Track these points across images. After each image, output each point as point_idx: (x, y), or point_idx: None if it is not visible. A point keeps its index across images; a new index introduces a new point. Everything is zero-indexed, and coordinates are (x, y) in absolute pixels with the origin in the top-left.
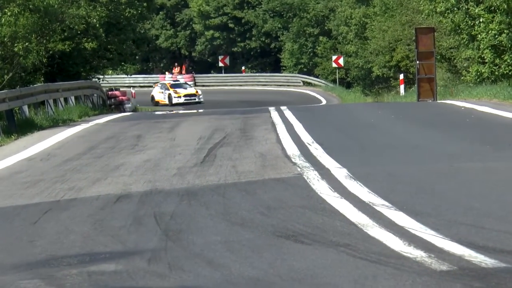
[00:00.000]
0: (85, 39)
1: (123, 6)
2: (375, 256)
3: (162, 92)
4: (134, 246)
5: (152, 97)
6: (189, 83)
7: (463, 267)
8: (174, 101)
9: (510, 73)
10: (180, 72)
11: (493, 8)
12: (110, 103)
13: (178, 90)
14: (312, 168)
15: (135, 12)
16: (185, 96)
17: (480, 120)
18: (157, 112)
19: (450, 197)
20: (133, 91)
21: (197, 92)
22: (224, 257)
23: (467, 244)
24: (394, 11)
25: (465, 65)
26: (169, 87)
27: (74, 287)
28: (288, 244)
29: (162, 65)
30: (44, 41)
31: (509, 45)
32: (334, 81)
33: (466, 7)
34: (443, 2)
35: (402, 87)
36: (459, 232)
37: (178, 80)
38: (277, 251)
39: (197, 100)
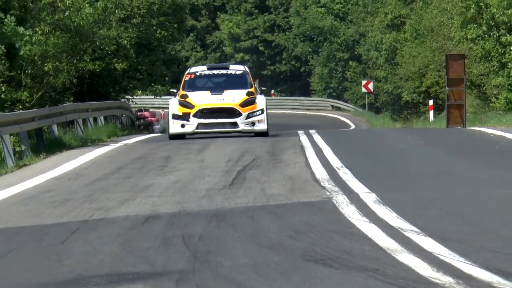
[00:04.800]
0: (116, 59)
1: (154, 28)
2: (403, 282)
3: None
4: (162, 267)
5: None
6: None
7: None
8: (172, 129)
9: None
10: None
11: None
12: (139, 124)
13: (193, 96)
14: (341, 193)
15: (166, 34)
16: (204, 115)
17: (510, 148)
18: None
19: (479, 223)
20: (162, 113)
21: (243, 104)
22: (253, 280)
23: (496, 270)
24: (425, 37)
25: (494, 92)
26: (181, 88)
27: None
28: (316, 268)
29: None
30: (75, 61)
31: None
32: (363, 106)
33: (497, 34)
34: (474, 29)
35: (431, 113)
36: (488, 259)
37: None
38: (305, 274)
39: (240, 127)
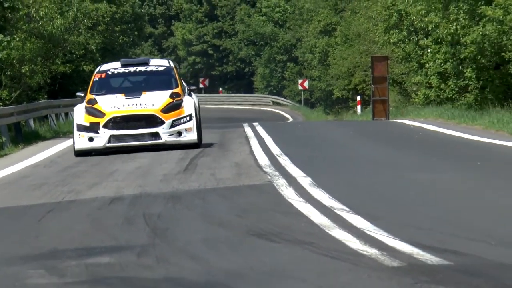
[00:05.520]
0: (84, 62)
1: (117, 34)
2: (335, 253)
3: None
4: (125, 242)
5: None
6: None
7: (412, 264)
8: (77, 144)
9: (453, 97)
10: None
11: (439, 40)
12: None
13: (103, 102)
14: (281, 177)
15: (127, 39)
16: (116, 125)
17: (427, 137)
18: None
19: (401, 203)
20: None
21: (165, 109)
22: (205, 253)
23: (415, 244)
24: (353, 41)
25: (414, 89)
26: (89, 92)
27: (73, 276)
28: (260, 242)
29: None
30: (48, 64)
31: (453, 72)
32: (299, 101)
33: (416, 38)
34: (396, 34)
35: (359, 107)
36: (409, 233)
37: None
38: (250, 248)
39: (163, 138)
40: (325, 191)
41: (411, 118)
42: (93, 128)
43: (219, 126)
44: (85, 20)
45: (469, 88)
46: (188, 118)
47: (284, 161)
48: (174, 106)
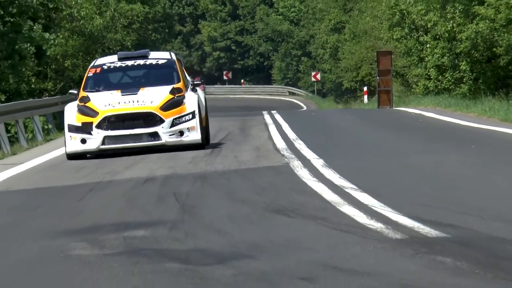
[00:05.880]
0: None
1: (150, 32)
2: (345, 227)
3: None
4: (158, 218)
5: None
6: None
7: (413, 236)
8: (69, 147)
9: (449, 87)
10: None
11: (437, 36)
12: None
13: (96, 99)
14: (296, 159)
15: (159, 36)
16: (111, 124)
17: (427, 123)
18: None
19: (404, 183)
20: None
21: (165, 107)
22: (228, 227)
23: (417, 218)
24: (360, 38)
25: (415, 80)
26: (82, 89)
27: (112, 248)
28: (277, 218)
29: None
30: (88, 58)
31: (449, 66)
32: (313, 91)
33: (417, 35)
34: (398, 31)
35: (366, 97)
36: (410, 209)
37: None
38: (269, 222)
39: (163, 139)
40: (336, 172)
41: (413, 106)
42: (85, 128)
43: (241, 114)
44: (121, 19)
45: (464, 79)
46: (190, 116)
47: (300, 145)
48: (174, 103)
